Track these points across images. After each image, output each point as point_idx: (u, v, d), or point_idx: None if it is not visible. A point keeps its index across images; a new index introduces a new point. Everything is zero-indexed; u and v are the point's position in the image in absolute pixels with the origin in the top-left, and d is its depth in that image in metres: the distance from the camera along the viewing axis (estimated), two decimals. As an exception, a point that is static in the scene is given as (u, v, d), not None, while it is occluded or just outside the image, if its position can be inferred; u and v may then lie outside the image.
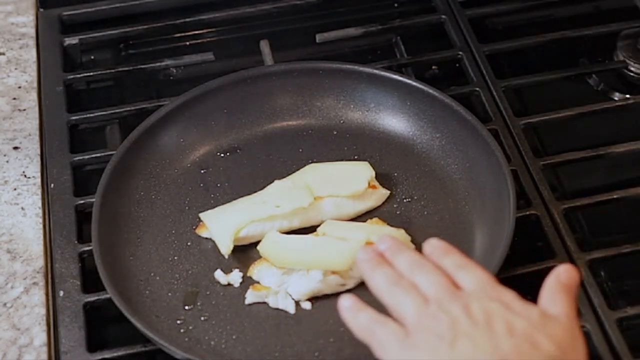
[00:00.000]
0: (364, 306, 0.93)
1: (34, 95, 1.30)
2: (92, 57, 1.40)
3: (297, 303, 1.07)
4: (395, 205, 1.16)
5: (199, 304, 1.08)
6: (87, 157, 1.22)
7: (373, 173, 1.16)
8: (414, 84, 1.22)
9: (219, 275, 1.10)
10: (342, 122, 1.24)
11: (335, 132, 1.23)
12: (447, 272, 0.94)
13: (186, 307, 1.08)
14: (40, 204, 1.18)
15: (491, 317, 0.89)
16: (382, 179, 1.17)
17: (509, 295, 0.91)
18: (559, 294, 0.92)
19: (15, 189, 1.20)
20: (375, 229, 1.11)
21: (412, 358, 0.88)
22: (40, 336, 1.07)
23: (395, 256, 0.96)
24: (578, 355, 0.89)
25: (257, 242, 1.11)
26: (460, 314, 0.89)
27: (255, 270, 1.09)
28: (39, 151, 1.24)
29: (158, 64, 1.34)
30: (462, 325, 0.88)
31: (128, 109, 1.28)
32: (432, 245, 0.97)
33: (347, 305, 0.94)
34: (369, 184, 1.15)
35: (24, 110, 1.29)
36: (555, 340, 0.88)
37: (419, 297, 0.91)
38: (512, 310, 0.90)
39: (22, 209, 1.18)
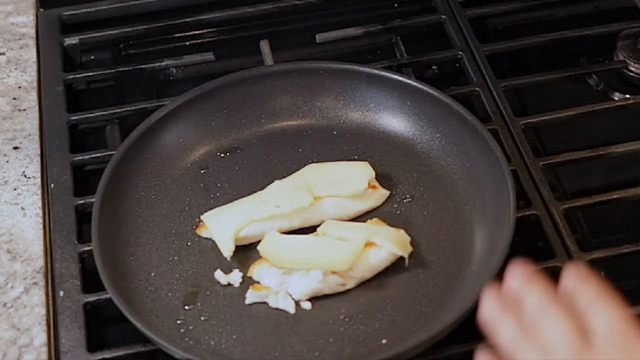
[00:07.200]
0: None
1: (34, 95, 1.30)
2: (92, 57, 1.40)
3: (297, 303, 1.07)
4: (395, 205, 1.16)
5: (199, 304, 1.08)
6: (87, 157, 1.22)
7: (373, 173, 1.16)
8: (414, 84, 1.22)
9: (219, 275, 1.10)
10: (342, 122, 1.24)
11: (335, 132, 1.23)
12: (579, 311, 0.88)
13: (186, 307, 1.08)
14: (40, 204, 1.18)
15: None
16: (382, 179, 1.17)
17: None
18: None
19: (15, 189, 1.20)
20: (375, 229, 1.11)
21: None
22: (40, 336, 1.07)
23: (525, 296, 0.89)
24: None
25: (257, 242, 1.11)
26: None
27: (255, 270, 1.09)
28: (39, 151, 1.24)
29: (158, 64, 1.34)
30: None
31: (128, 109, 1.28)
32: (571, 273, 0.90)
33: None
34: (369, 184, 1.15)
35: (24, 110, 1.29)
36: None
37: (542, 356, 0.86)
38: None
39: (22, 209, 1.18)
